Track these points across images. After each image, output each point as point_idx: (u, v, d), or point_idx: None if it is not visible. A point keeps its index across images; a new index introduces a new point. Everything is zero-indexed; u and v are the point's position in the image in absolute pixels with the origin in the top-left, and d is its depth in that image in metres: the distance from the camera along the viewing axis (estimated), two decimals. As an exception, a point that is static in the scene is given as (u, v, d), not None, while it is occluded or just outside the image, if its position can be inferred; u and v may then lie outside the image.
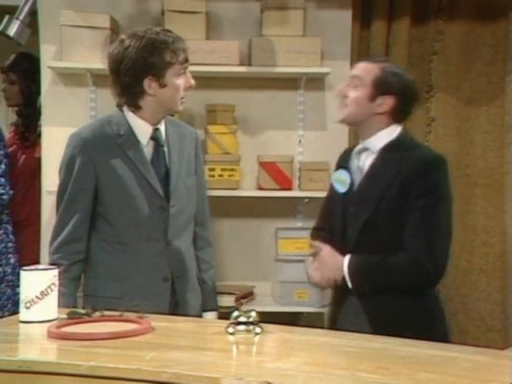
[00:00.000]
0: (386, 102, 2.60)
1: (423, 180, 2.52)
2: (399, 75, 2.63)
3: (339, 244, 2.64)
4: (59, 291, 2.36)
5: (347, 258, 2.57)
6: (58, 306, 2.23)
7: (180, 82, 2.58)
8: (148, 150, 2.63)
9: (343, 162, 2.75)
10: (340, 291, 2.68)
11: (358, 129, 2.72)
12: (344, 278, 2.56)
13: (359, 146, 2.68)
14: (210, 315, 2.82)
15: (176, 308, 2.63)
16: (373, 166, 2.61)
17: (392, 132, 2.64)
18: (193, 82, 2.62)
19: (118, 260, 2.61)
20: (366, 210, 2.57)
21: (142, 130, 2.62)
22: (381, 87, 2.59)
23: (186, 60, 2.60)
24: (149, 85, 2.55)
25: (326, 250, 2.62)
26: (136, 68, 2.53)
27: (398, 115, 2.65)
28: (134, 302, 2.22)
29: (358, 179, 2.64)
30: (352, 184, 2.64)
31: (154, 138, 2.64)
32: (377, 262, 2.54)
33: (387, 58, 2.78)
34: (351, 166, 2.68)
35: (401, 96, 2.61)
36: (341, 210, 2.66)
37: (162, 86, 2.56)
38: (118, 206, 2.60)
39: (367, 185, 2.60)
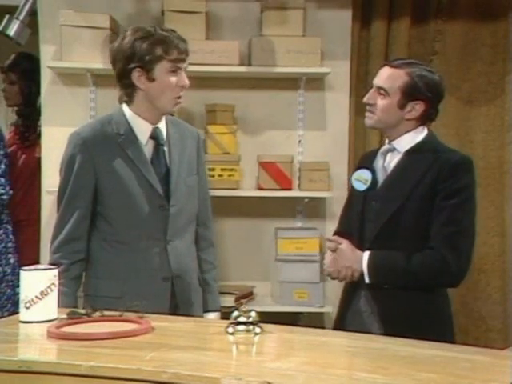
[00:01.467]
0: (416, 108, 2.58)
1: (453, 181, 2.52)
2: (427, 78, 2.57)
3: (356, 240, 2.64)
4: (59, 291, 2.36)
5: (367, 252, 2.56)
6: (58, 306, 2.24)
7: (171, 79, 2.56)
8: (148, 149, 2.63)
9: (364, 163, 2.75)
10: (350, 290, 2.68)
11: (384, 131, 2.71)
12: (361, 273, 2.56)
13: (385, 147, 2.68)
14: (213, 316, 2.81)
15: (176, 308, 2.63)
16: (399, 166, 2.62)
17: (419, 133, 2.64)
18: (186, 82, 2.58)
19: (118, 259, 2.61)
20: (390, 207, 2.57)
21: (142, 128, 2.62)
22: (410, 94, 2.56)
23: (180, 60, 2.57)
24: (137, 77, 2.54)
25: (345, 243, 2.62)
26: (125, 57, 2.54)
27: (427, 118, 2.64)
28: (134, 301, 2.22)
29: (382, 178, 2.64)
30: (375, 183, 2.64)
31: (154, 136, 2.64)
32: (399, 258, 2.52)
33: (412, 60, 2.70)
34: (376, 165, 2.68)
35: (430, 100, 2.58)
36: (360, 206, 2.66)
37: (151, 80, 2.54)
38: (117, 205, 2.60)
39: (393, 183, 2.61)
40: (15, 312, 2.32)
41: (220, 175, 3.62)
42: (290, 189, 3.70)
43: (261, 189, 3.70)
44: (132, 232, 2.60)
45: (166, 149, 2.65)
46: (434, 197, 2.53)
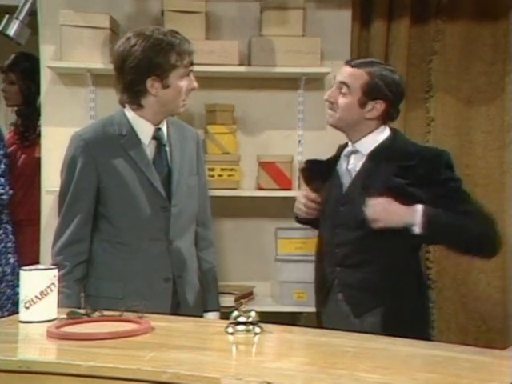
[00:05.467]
0: (377, 107, 2.60)
1: (439, 172, 2.55)
2: (388, 78, 2.60)
3: (327, 244, 2.66)
4: (63, 293, 2.37)
5: (418, 204, 2.49)
6: (63, 306, 2.24)
7: (183, 84, 2.58)
8: (150, 149, 2.63)
9: (332, 159, 2.76)
10: (323, 291, 2.69)
11: (346, 131, 2.70)
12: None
13: (348, 149, 2.68)
14: (212, 315, 2.81)
15: (177, 308, 2.63)
16: (364, 169, 2.61)
17: (381, 133, 2.64)
18: (196, 84, 2.63)
19: (120, 260, 2.61)
20: (358, 211, 2.54)
21: (144, 129, 2.62)
22: (370, 93, 2.58)
23: (191, 63, 2.60)
24: (152, 85, 2.55)
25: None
26: (140, 67, 2.53)
27: (388, 117, 2.65)
28: (134, 302, 2.22)
29: (347, 182, 2.65)
30: (341, 186, 2.65)
31: (156, 137, 2.64)
32: (446, 213, 2.50)
33: (372, 59, 2.74)
34: (339, 168, 2.69)
35: (391, 99, 2.60)
36: (328, 209, 2.68)
37: (165, 86, 2.56)
38: (119, 206, 2.60)
39: (359, 187, 2.59)
40: (15, 312, 2.32)
41: (220, 175, 3.61)
42: (289, 189, 3.70)
43: (261, 189, 3.70)
44: (134, 233, 2.60)
45: (167, 149, 2.66)
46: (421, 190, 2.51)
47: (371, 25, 3.83)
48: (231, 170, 3.63)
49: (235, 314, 2.08)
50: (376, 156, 2.61)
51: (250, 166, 3.74)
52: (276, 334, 2.10)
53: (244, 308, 2.09)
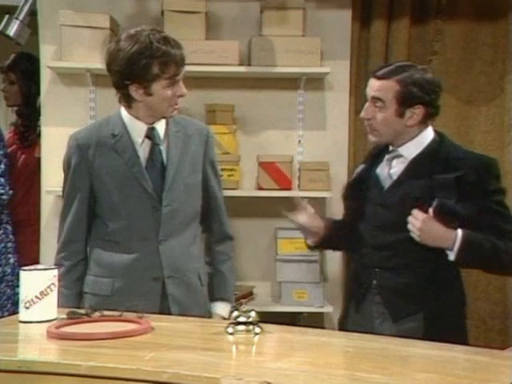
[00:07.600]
0: (416, 113, 2.53)
1: (488, 183, 2.50)
2: (420, 80, 2.52)
3: (363, 245, 2.60)
4: (62, 292, 2.37)
5: (459, 230, 2.44)
6: (61, 307, 2.24)
7: (168, 92, 2.54)
8: (143, 149, 2.62)
9: (369, 159, 2.71)
10: (358, 292, 2.62)
11: (390, 142, 2.62)
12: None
13: (391, 153, 2.61)
14: (221, 305, 2.73)
15: (168, 308, 2.61)
16: (406, 172, 2.55)
17: (425, 138, 2.58)
18: (184, 91, 2.57)
19: (111, 258, 2.62)
20: (396, 214, 2.51)
21: (137, 129, 2.62)
22: (406, 101, 2.50)
23: (177, 73, 2.53)
24: (135, 91, 2.53)
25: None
26: (122, 74, 2.52)
27: (430, 117, 2.59)
28: (132, 302, 2.21)
29: (387, 184, 2.59)
30: (381, 188, 2.60)
31: (149, 136, 2.63)
32: (485, 239, 2.46)
33: (399, 64, 2.64)
34: (381, 172, 2.63)
35: (428, 101, 2.53)
36: (367, 211, 2.62)
37: (148, 94, 2.54)
38: (110, 206, 2.61)
39: (400, 190, 2.54)
40: (15, 312, 2.32)
41: (220, 175, 3.61)
42: (289, 189, 3.70)
43: (261, 189, 3.70)
44: (124, 232, 2.60)
45: (162, 148, 2.64)
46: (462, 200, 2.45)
47: (371, 25, 3.84)
48: (231, 170, 3.63)
49: (235, 313, 2.08)
50: (420, 161, 2.55)
51: (250, 166, 3.74)
52: (276, 333, 2.10)
53: (244, 308, 2.09)
